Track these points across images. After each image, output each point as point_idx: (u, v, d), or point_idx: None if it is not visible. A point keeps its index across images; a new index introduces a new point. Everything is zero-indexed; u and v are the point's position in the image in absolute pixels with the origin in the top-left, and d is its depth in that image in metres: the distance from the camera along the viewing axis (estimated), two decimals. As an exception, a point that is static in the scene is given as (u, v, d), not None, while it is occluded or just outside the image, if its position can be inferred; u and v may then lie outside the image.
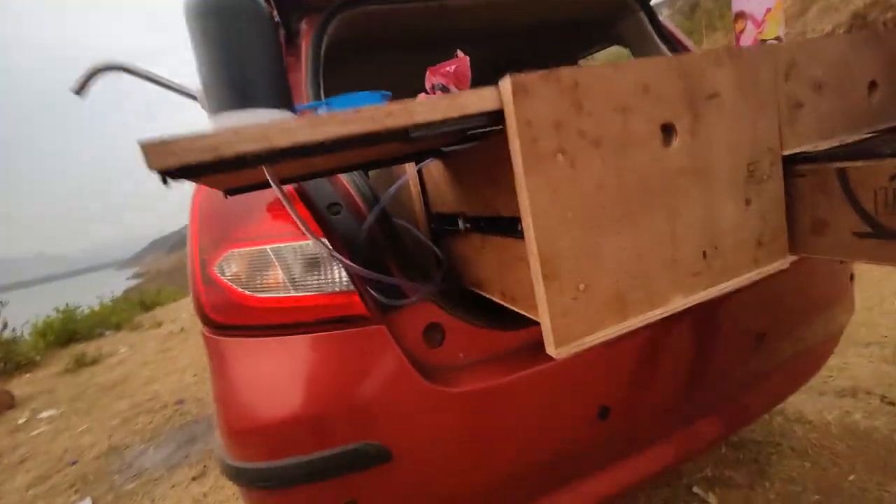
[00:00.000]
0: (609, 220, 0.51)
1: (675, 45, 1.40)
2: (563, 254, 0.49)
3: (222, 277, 0.77)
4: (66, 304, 6.49)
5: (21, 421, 3.28)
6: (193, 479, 1.99)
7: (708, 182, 0.56)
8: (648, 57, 0.84)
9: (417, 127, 0.43)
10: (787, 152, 0.61)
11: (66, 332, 5.98)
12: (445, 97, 0.44)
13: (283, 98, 0.63)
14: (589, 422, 0.85)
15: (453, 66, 1.03)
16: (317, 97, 0.99)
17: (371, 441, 0.73)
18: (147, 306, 8.57)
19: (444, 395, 0.76)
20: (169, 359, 4.27)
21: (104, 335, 6.36)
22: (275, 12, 1.07)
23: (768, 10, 0.79)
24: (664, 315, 0.55)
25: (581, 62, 1.98)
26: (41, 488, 2.22)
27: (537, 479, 0.87)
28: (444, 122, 0.44)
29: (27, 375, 4.71)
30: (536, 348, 0.83)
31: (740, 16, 0.86)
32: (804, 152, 0.61)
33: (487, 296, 0.77)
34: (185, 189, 0.77)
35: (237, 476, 0.77)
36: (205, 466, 2.06)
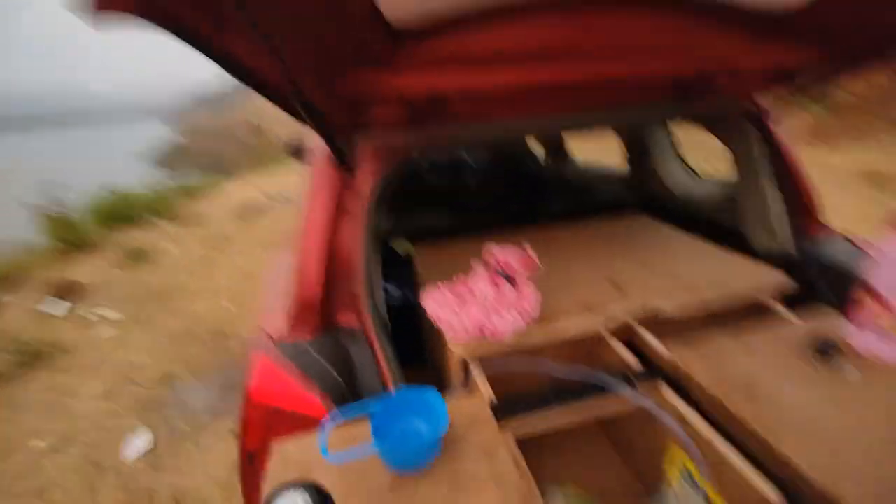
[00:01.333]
0: None
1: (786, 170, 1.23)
2: None
3: None
4: (116, 188, 6.88)
5: (94, 318, 3.72)
6: (231, 431, 2.32)
7: None
8: None
9: None
10: None
11: (119, 215, 6.45)
12: None
13: None
14: None
15: (518, 258, 0.95)
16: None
17: None
18: (190, 193, 8.99)
19: None
20: (208, 273, 4.60)
21: (153, 223, 6.80)
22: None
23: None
24: None
25: None
26: (110, 404, 2.63)
27: None
28: None
29: (86, 259, 5.20)
30: None
31: (866, 290, 0.74)
32: None
33: None
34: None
35: None
36: (242, 422, 2.38)
